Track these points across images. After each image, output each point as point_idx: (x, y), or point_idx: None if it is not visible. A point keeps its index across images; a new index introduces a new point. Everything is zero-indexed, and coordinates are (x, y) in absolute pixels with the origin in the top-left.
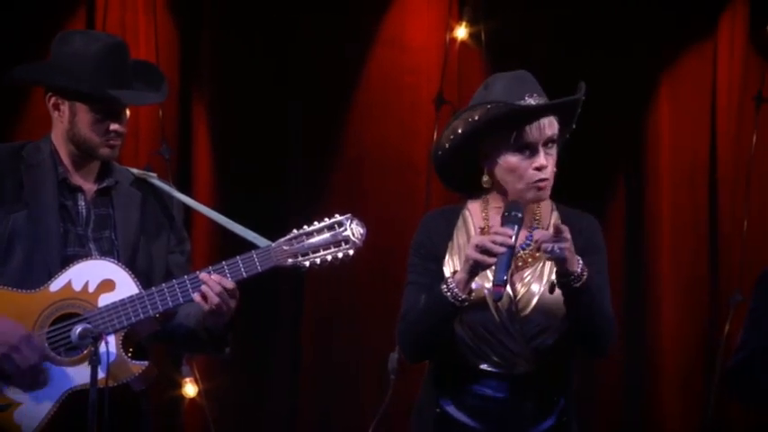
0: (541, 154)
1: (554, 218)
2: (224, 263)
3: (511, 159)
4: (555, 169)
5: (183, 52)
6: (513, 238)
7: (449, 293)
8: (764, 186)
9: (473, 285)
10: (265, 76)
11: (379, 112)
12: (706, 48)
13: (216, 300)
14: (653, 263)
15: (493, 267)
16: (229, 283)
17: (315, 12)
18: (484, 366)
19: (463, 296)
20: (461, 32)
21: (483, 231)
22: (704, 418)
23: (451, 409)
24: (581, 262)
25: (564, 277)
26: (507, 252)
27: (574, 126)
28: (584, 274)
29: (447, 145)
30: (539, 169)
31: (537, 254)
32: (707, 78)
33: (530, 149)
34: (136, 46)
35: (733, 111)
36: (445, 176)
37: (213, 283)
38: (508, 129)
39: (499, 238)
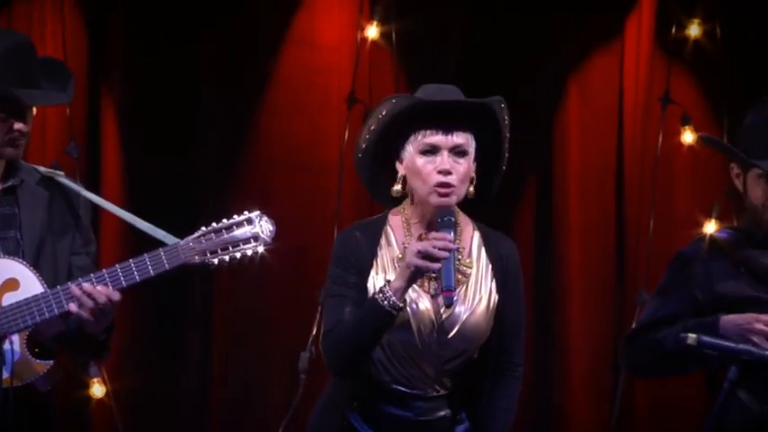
0: (445, 157)
1: (476, 238)
2: (106, 270)
3: (417, 161)
4: (468, 184)
5: (91, 48)
6: (453, 242)
7: (386, 302)
8: (670, 187)
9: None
10: (175, 74)
11: (290, 111)
12: (613, 48)
13: (89, 310)
14: (561, 263)
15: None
16: (107, 294)
17: (225, 9)
18: (396, 386)
19: (401, 305)
20: (372, 32)
21: (421, 238)
22: (612, 417)
23: (357, 423)
24: None
25: None
26: (450, 257)
27: (503, 155)
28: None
29: (363, 146)
30: (442, 173)
31: (459, 276)
32: (614, 79)
33: (434, 151)
34: (43, 41)
35: (639, 112)
36: (370, 185)
37: (84, 296)
38: (415, 126)
39: (440, 243)
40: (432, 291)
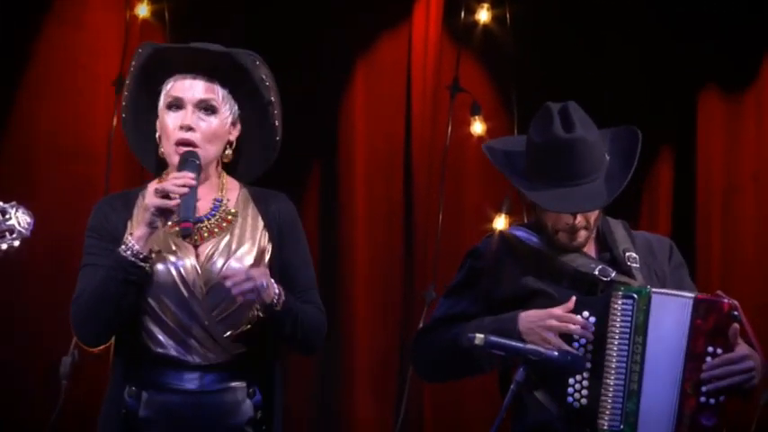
0: (189, 112)
1: (243, 194)
2: None
3: (164, 117)
4: (220, 146)
5: None
6: (196, 180)
7: (128, 252)
8: (459, 179)
9: (159, 267)
10: None
11: (54, 94)
12: (401, 32)
13: None
14: (346, 257)
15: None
16: None
17: None
18: (172, 355)
19: (144, 253)
20: (143, 10)
21: (161, 181)
22: (396, 421)
23: (137, 408)
24: (275, 287)
25: (265, 308)
26: (191, 192)
27: (275, 124)
28: (281, 297)
29: (124, 104)
30: (183, 129)
31: (224, 224)
32: (402, 64)
33: (179, 106)
34: None
35: (428, 99)
36: (138, 152)
37: None
38: (165, 80)
39: (180, 180)
40: (194, 241)
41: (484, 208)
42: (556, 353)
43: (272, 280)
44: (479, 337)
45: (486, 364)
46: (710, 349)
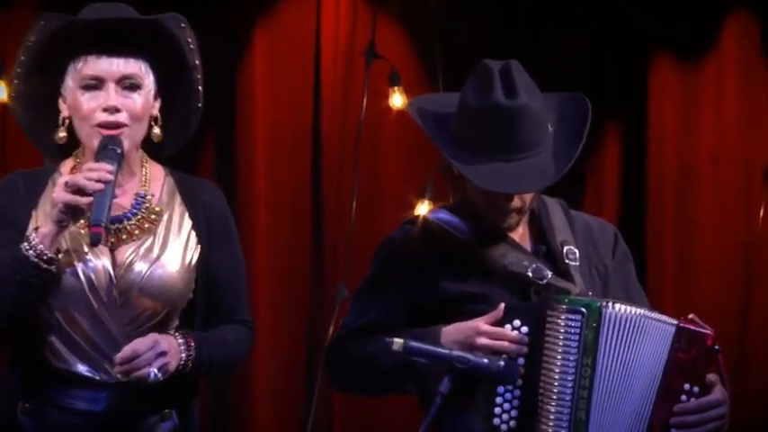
0: (111, 91)
1: (168, 184)
2: None
3: (79, 98)
4: (147, 124)
5: None
6: (114, 175)
7: (31, 251)
8: (376, 159)
9: (67, 270)
10: None
11: None
12: None
13: None
14: (246, 248)
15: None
16: None
17: None
18: (77, 371)
19: (50, 254)
20: None
21: (73, 172)
22: (305, 423)
23: (30, 428)
24: (182, 350)
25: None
26: (107, 189)
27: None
28: (190, 356)
29: (15, 82)
30: (107, 111)
31: (146, 225)
32: (310, 26)
33: (98, 85)
34: None
35: (340, 68)
36: (31, 133)
37: None
38: (74, 54)
39: (95, 174)
40: (110, 244)
41: (404, 192)
42: (486, 360)
43: (180, 341)
44: (398, 342)
45: (410, 382)
46: (687, 387)
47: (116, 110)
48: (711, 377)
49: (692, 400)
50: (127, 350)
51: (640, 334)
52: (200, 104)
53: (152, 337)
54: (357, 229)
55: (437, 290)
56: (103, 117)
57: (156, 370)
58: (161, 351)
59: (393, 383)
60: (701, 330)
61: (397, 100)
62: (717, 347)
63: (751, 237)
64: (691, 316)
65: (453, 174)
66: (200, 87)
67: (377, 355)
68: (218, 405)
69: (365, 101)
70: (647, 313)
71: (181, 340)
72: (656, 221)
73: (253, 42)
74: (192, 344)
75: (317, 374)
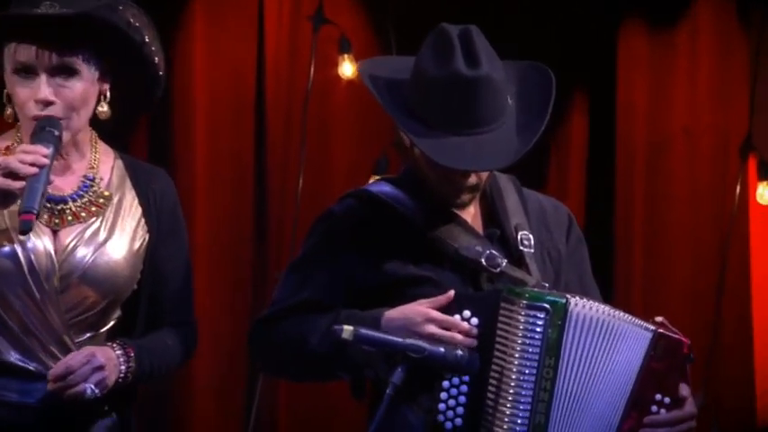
0: (44, 82)
1: (118, 168)
2: None
3: (13, 83)
4: (90, 107)
5: None
6: (49, 159)
7: None
8: (325, 131)
9: (4, 251)
10: None
11: None
12: None
13: None
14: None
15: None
16: None
17: None
18: (6, 356)
19: None
20: None
21: (7, 152)
22: (247, 426)
23: None
24: (121, 362)
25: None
26: (41, 174)
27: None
28: (129, 368)
29: None
30: (40, 104)
31: (93, 209)
32: None
33: (29, 72)
34: None
35: (285, 32)
36: None
37: None
38: (8, 36)
39: (29, 157)
40: (53, 224)
41: (355, 169)
42: (442, 349)
43: (118, 353)
44: (348, 329)
45: (342, 369)
46: (658, 397)
47: (49, 103)
48: (684, 390)
49: (663, 411)
50: (60, 366)
51: (612, 337)
52: (161, 73)
53: (88, 350)
54: (304, 206)
55: (381, 271)
56: (36, 111)
57: (92, 386)
58: (98, 365)
59: (324, 370)
60: (678, 338)
61: (347, 68)
62: (691, 355)
63: (727, 215)
64: (659, 319)
65: (404, 145)
66: (156, 59)
67: (309, 338)
68: (155, 396)
69: (312, 69)
70: (620, 315)
71: (119, 351)
72: (624, 198)
73: (191, 5)
74: (132, 354)
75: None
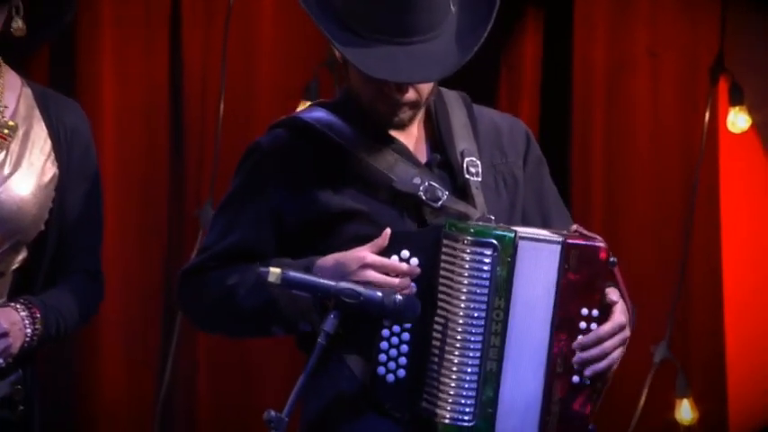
0: None
1: (26, 97)
2: None
3: None
4: None
5: None
6: None
7: None
8: (248, 49)
9: None
10: None
11: None
12: None
13: None
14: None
15: None
16: None
17: None
18: None
19: None
20: None
21: None
22: (161, 385)
23: None
24: (26, 324)
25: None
26: None
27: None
28: (35, 335)
29: None
30: None
31: (5, 131)
32: None
33: None
34: None
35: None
36: None
37: None
38: None
39: None
40: None
41: (283, 92)
42: (379, 293)
43: (23, 314)
44: (274, 272)
45: (275, 323)
46: (585, 312)
47: None
48: (612, 296)
49: (594, 325)
50: None
51: (527, 258)
52: None
53: None
54: (225, 137)
55: (313, 206)
56: None
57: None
58: (1, 332)
59: (257, 326)
60: (592, 244)
61: None
62: (612, 259)
63: (695, 144)
64: (575, 227)
65: (338, 63)
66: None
67: (238, 290)
68: (59, 347)
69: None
70: (530, 232)
71: (24, 313)
72: (582, 125)
73: None
74: (38, 315)
75: (176, 315)
